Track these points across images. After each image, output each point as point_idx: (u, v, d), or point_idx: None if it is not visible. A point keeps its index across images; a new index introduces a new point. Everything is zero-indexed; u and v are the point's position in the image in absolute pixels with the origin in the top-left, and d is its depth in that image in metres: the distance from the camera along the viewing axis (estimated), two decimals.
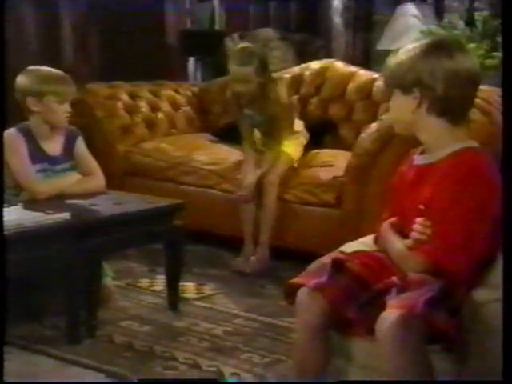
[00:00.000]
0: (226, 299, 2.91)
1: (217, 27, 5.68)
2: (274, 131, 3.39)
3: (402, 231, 1.77)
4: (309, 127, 3.55)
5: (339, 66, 3.84)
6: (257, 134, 3.48)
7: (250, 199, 3.22)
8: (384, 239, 1.80)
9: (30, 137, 2.67)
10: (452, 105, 1.69)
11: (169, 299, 2.76)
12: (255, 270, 3.16)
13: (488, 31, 4.14)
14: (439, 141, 1.72)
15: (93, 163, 2.79)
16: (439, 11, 5.06)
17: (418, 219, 1.69)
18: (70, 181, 2.71)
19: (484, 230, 1.64)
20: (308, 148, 3.48)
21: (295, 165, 3.32)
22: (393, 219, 1.81)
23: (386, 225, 1.81)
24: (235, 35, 5.54)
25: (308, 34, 5.63)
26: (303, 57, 5.57)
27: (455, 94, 1.67)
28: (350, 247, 1.94)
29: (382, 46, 4.98)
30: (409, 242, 1.71)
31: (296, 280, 1.77)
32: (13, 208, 2.40)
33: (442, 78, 1.66)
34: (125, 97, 3.94)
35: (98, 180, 2.77)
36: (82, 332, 2.46)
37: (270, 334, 2.55)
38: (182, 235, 2.72)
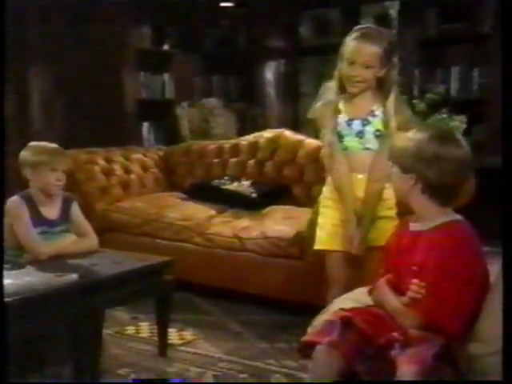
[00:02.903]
0: (206, 344, 2.78)
1: (167, 96, 5.62)
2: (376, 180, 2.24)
3: (396, 287, 1.74)
4: (267, 192, 3.51)
5: (289, 134, 3.82)
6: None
7: None
8: (381, 294, 1.76)
9: (30, 203, 2.51)
10: (444, 191, 1.69)
11: (159, 346, 2.61)
12: None
13: None
14: (429, 214, 1.72)
15: (86, 225, 2.64)
16: None
17: (414, 280, 1.66)
18: (66, 242, 2.55)
19: (471, 289, 1.63)
20: (264, 206, 3.44)
21: None
22: (388, 276, 1.78)
23: (382, 281, 1.78)
24: (184, 103, 5.50)
25: (247, 102, 5.66)
26: (244, 122, 5.59)
27: (448, 183, 1.67)
28: (341, 303, 1.88)
29: (310, 115, 5.03)
30: (405, 299, 1.68)
31: (309, 338, 1.70)
32: (22, 270, 2.25)
33: (437, 171, 1.65)
34: (101, 161, 3.81)
35: (92, 240, 2.62)
36: (85, 381, 2.28)
37: (256, 377, 2.43)
38: (172, 288, 2.59)
